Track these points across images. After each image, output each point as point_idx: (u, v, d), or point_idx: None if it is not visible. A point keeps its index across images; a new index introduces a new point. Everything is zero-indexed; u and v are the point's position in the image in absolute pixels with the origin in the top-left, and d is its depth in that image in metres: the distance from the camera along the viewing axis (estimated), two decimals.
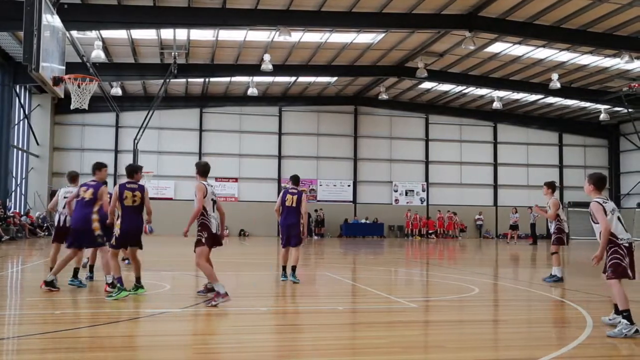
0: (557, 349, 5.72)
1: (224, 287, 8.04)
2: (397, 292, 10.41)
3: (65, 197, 10.08)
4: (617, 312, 6.53)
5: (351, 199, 39.50)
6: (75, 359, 5.35)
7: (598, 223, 6.50)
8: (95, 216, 9.25)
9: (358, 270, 15.12)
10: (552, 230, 11.87)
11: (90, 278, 10.54)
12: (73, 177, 10.51)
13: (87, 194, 9.31)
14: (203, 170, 8.67)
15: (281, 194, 11.04)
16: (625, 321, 6.30)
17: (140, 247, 9.06)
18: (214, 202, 8.56)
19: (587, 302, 9.12)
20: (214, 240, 8.46)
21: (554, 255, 11.73)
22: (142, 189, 9.08)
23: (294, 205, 10.79)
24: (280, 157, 38.68)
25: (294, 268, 10.95)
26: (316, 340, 6.42)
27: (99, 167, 9.76)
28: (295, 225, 10.80)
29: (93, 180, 9.59)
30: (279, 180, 38.14)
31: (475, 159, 41.29)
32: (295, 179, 11.25)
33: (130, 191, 8.89)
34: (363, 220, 38.76)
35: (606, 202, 6.55)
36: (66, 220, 10.01)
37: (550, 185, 11.99)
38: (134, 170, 9.22)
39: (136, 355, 5.54)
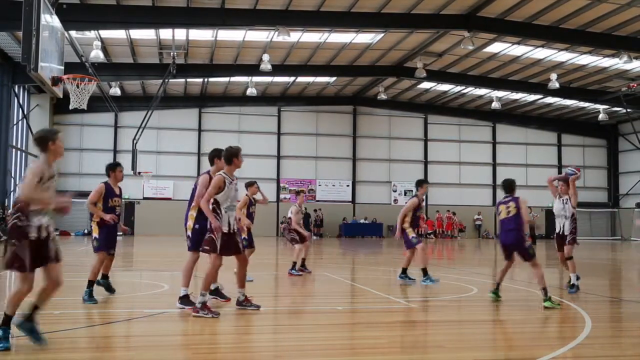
0: (556, 349, 5.73)
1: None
2: (396, 292, 10.40)
3: None
4: None
5: (350, 199, 39.51)
6: (75, 359, 5.35)
7: None
8: (191, 212, 8.13)
9: (357, 270, 15.13)
10: (568, 229, 10.11)
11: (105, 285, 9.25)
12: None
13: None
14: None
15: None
16: None
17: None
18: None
19: (586, 302, 9.14)
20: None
21: (570, 261, 10.01)
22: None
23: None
24: (279, 157, 38.68)
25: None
26: (316, 340, 6.41)
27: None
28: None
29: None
30: (278, 181, 38.15)
31: (474, 159, 41.33)
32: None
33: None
34: (362, 220, 38.76)
35: None
36: None
37: (566, 180, 10.37)
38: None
39: (136, 356, 5.54)
